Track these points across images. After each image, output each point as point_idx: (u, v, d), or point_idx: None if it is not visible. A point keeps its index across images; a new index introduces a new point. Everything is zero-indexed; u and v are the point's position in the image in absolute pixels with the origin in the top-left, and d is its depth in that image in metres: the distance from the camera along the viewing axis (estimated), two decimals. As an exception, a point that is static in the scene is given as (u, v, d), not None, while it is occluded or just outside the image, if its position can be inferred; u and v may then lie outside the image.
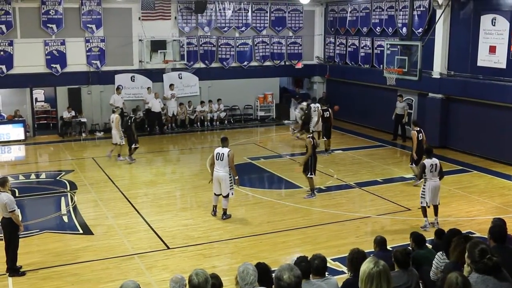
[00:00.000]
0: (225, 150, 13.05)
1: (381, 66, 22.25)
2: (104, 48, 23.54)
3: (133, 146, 18.83)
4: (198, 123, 25.24)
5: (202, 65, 25.56)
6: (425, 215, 12.58)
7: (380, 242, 8.45)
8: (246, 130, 24.77)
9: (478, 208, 14.15)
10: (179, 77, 25.08)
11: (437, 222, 12.52)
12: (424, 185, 12.56)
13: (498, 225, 7.24)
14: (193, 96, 25.31)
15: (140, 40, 23.85)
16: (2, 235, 10.70)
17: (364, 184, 16.32)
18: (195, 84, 25.46)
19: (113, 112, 19.56)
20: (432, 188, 12.44)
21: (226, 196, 13.22)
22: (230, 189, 13.19)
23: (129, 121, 18.88)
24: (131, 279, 5.47)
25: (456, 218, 13.30)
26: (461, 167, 18.21)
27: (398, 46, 20.91)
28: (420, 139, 16.07)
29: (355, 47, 25.45)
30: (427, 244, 8.78)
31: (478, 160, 19.02)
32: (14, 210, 10.14)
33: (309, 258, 6.15)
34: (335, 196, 15.39)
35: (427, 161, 12.54)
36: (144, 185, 16.36)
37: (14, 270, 10.35)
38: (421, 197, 12.57)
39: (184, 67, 25.13)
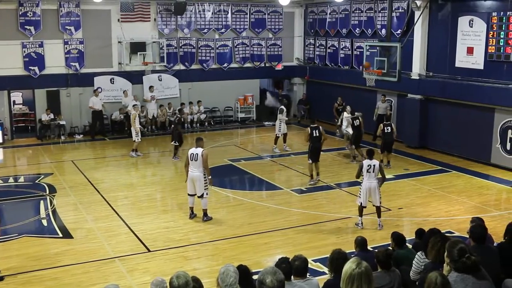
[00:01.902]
0: (199, 150, 13.10)
1: (361, 67, 22.38)
2: (83, 50, 23.37)
3: (173, 143, 19.52)
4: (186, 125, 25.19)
5: (182, 67, 25.50)
6: (360, 214, 12.84)
7: (361, 243, 8.49)
8: (227, 132, 24.76)
9: (457, 208, 14.30)
10: (159, 79, 25.00)
11: (380, 224, 12.71)
12: (361, 185, 12.80)
13: (478, 225, 7.31)
14: (173, 98, 25.23)
15: (119, 42, 23.73)
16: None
17: (344, 185, 16.42)
18: (175, 86, 25.39)
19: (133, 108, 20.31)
20: (367, 188, 12.63)
21: (201, 197, 13.23)
22: (205, 189, 13.20)
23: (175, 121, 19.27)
24: (113, 283, 5.45)
25: (436, 218, 13.43)
26: (440, 167, 18.38)
27: (377, 48, 21.04)
28: (386, 131, 17.84)
29: (335, 48, 25.57)
30: (407, 244, 8.85)
31: (457, 160, 19.22)
32: None
33: (290, 259, 6.16)
34: (316, 197, 15.43)
35: (365, 161, 12.77)
36: (124, 188, 16.26)
37: None
38: (358, 196, 12.89)
39: (164, 69, 25.05)
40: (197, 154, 13.08)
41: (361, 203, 12.76)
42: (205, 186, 13.18)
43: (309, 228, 12.86)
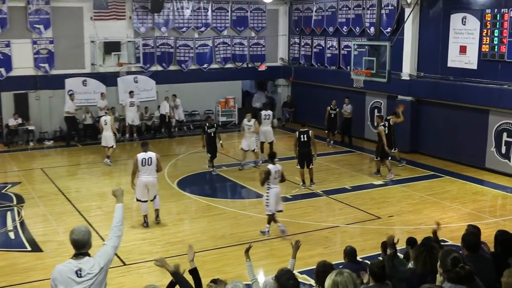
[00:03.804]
0: (152, 154, 13.40)
1: (348, 67, 22.49)
2: (53, 50, 23.21)
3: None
4: (162, 129, 25.09)
5: (159, 68, 25.44)
6: (269, 222, 12.95)
7: (350, 253, 8.48)
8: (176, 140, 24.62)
9: (450, 215, 14.39)
10: (134, 81, 24.91)
11: (284, 232, 12.91)
12: (268, 193, 12.86)
13: (471, 233, 7.34)
14: (150, 101, 25.14)
15: (92, 41, 23.61)
16: None
17: (332, 192, 16.44)
18: (152, 88, 25.31)
19: (106, 114, 20.34)
20: (275, 194, 12.86)
21: (156, 197, 13.70)
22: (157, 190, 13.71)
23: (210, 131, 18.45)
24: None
25: (428, 225, 13.45)
26: (432, 172, 18.50)
27: (366, 47, 21.17)
28: (386, 132, 17.50)
29: (321, 47, 25.67)
30: (398, 254, 8.86)
31: (450, 164, 19.36)
32: None
33: (275, 273, 6.15)
34: (301, 205, 15.46)
35: (271, 167, 12.88)
36: (97, 197, 16.16)
37: None
38: (266, 205, 12.90)
39: (140, 70, 24.97)
40: (150, 158, 13.33)
41: (271, 211, 12.86)
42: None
43: (295, 238, 12.71)
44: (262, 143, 20.12)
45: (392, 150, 18.54)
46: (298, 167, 16.83)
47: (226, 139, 24.75)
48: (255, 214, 14.42)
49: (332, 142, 22.32)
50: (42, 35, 23.02)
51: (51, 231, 13.43)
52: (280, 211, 13.14)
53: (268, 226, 13.01)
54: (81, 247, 5.70)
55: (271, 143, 20.15)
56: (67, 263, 5.67)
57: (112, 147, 19.93)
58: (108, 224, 13.97)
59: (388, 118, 18.63)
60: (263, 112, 20.58)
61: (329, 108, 22.18)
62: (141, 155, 13.36)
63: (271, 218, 12.97)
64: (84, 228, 5.82)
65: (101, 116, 21.26)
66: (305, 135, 16.61)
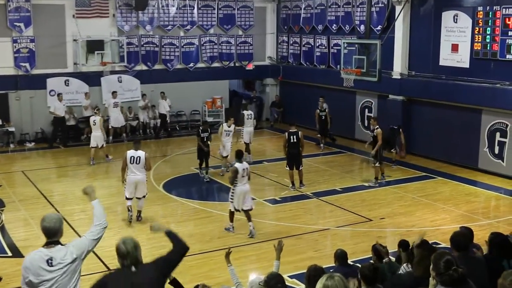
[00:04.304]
0: (141, 153, 13.86)
1: (338, 66, 22.52)
2: (34, 49, 23.08)
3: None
4: (141, 131, 25.02)
5: (144, 67, 25.37)
6: (231, 219, 13.39)
7: (341, 256, 8.49)
8: (193, 138, 24.55)
9: (443, 217, 14.45)
10: (118, 81, 24.82)
11: (252, 232, 13.15)
12: (233, 190, 13.17)
13: (459, 233, 7.41)
14: (134, 102, 25.05)
15: (74, 40, 23.49)
16: None
17: (322, 194, 16.47)
18: (136, 88, 25.23)
19: (95, 114, 20.30)
20: (242, 192, 13.15)
21: (142, 197, 14.12)
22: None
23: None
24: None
25: (420, 227, 13.53)
26: (425, 173, 18.57)
27: (356, 45, 21.20)
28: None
29: (310, 46, 25.70)
30: (390, 257, 8.89)
31: (442, 165, 19.44)
32: None
33: (263, 277, 6.16)
34: (291, 207, 15.47)
35: (239, 165, 13.16)
36: (81, 201, 16.00)
37: None
38: (230, 201, 13.28)
39: (124, 69, 24.89)
40: (139, 157, 13.79)
41: (234, 208, 13.22)
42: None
43: (285, 241, 12.72)
44: (247, 144, 20.15)
45: (392, 151, 19.04)
46: (287, 168, 16.87)
47: (213, 140, 24.67)
48: (244, 217, 14.36)
49: (322, 145, 22.14)
50: (22, 33, 22.86)
51: (32, 236, 13.33)
52: (249, 209, 13.34)
53: (231, 224, 13.43)
54: (52, 235, 5.70)
55: (247, 144, 20.31)
56: (38, 251, 5.67)
57: (102, 146, 20.15)
58: (92, 228, 13.86)
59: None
60: (246, 112, 20.58)
61: (318, 110, 22.10)
62: (130, 153, 13.87)
63: (232, 215, 13.42)
64: (55, 216, 5.84)
65: (88, 117, 21.53)
66: (294, 136, 16.67)
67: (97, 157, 20.14)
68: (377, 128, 17.31)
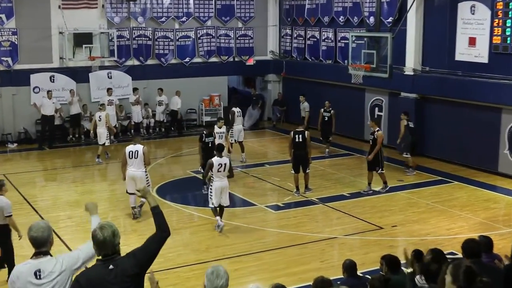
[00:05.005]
0: (139, 147, 14.40)
1: (346, 61, 22.48)
2: (16, 43, 23.07)
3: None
4: (132, 131, 24.97)
5: (136, 62, 25.37)
6: (215, 214, 13.98)
7: (349, 267, 8.47)
8: (189, 139, 24.62)
9: (460, 225, 14.40)
10: (108, 77, 24.81)
11: (221, 225, 13.84)
12: (211, 186, 13.88)
13: (469, 239, 7.47)
14: (126, 99, 25.03)
15: (60, 32, 23.48)
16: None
17: (328, 200, 16.41)
18: (128, 85, 25.21)
19: (100, 109, 20.78)
20: (218, 188, 13.73)
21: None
22: (147, 185, 14.27)
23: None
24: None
25: (435, 236, 13.50)
26: (440, 178, 18.52)
27: (365, 39, 21.17)
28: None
29: (316, 39, 25.68)
30: (402, 268, 8.85)
31: (459, 169, 19.39)
32: (11, 215, 11.06)
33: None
34: (295, 214, 15.41)
35: (215, 160, 13.69)
36: (67, 206, 16.05)
37: None
38: (209, 198, 13.94)
39: (115, 64, 24.89)
40: (137, 151, 14.34)
41: (213, 204, 13.84)
42: (147, 183, 14.44)
43: (288, 251, 12.82)
44: (241, 143, 20.29)
45: (404, 155, 18.91)
46: (293, 172, 16.80)
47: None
48: (244, 225, 14.39)
49: (327, 151, 21.61)
50: (4, 25, 22.87)
51: (15, 245, 13.25)
52: (225, 206, 13.98)
53: (217, 218, 13.96)
54: (41, 245, 5.67)
55: (241, 142, 20.42)
56: (26, 263, 5.65)
57: (103, 144, 20.47)
58: (80, 236, 14.00)
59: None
60: (236, 109, 20.57)
61: (322, 110, 21.65)
62: (129, 147, 14.49)
63: (215, 211, 13.97)
64: (43, 224, 5.77)
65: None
66: (300, 136, 16.55)
67: (85, 160, 20.13)
68: (377, 131, 16.87)
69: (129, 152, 14.37)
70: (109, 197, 17.02)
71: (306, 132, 16.68)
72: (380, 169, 16.90)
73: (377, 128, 17.04)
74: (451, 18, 19.64)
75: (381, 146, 16.80)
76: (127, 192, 14.78)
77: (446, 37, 19.84)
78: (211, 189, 13.91)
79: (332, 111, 21.28)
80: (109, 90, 23.88)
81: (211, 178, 13.85)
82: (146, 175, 14.62)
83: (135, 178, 14.36)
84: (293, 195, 16.69)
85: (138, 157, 14.30)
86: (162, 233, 5.75)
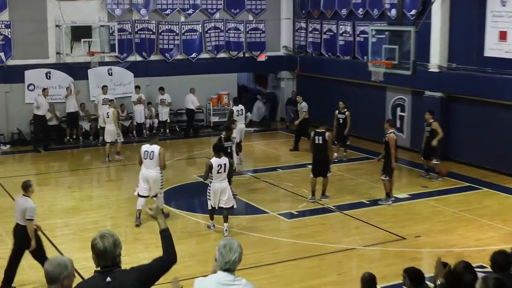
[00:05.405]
0: (155, 148, 14.62)
1: (365, 57, 22.43)
2: (10, 36, 23.18)
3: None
4: (134, 132, 25.03)
5: (139, 58, 25.44)
6: (211, 217, 14.44)
7: (368, 281, 8.47)
8: (196, 141, 24.66)
9: (490, 235, 14.33)
10: (108, 74, 24.89)
11: (226, 232, 14.05)
12: (209, 187, 14.18)
13: (497, 251, 7.43)
14: (128, 98, 25.07)
15: (57, 26, 23.59)
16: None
17: (346, 207, 16.39)
18: (130, 83, 25.28)
19: (109, 106, 21.41)
20: (217, 189, 14.02)
21: (158, 195, 14.94)
22: (161, 188, 14.91)
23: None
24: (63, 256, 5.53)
25: (463, 248, 13.43)
26: (468, 184, 18.47)
27: (386, 33, 21.09)
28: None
29: (332, 34, 25.65)
30: (426, 282, 8.81)
31: (489, 174, 19.33)
32: (32, 219, 11.38)
33: None
34: (310, 222, 15.41)
35: (214, 161, 14.01)
36: (64, 213, 16.10)
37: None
38: (208, 199, 14.28)
39: (115, 60, 24.97)
40: (152, 152, 14.58)
41: (212, 206, 14.22)
42: (161, 185, 14.92)
43: (302, 263, 12.81)
44: (239, 143, 20.20)
45: (434, 161, 18.80)
46: (311, 175, 16.77)
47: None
48: (255, 234, 14.37)
49: (345, 154, 21.49)
50: (-3, 18, 23.04)
51: (7, 254, 13.33)
52: (229, 207, 14.20)
53: (211, 222, 14.46)
54: (50, 281, 5.26)
55: (239, 143, 20.26)
56: None
57: (116, 142, 21.11)
58: (77, 245, 14.02)
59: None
60: (235, 108, 20.62)
61: (336, 112, 21.48)
62: (144, 147, 14.83)
63: (212, 213, 14.38)
64: (60, 260, 5.44)
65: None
66: (320, 137, 16.52)
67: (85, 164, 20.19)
68: (390, 133, 16.73)
69: (144, 152, 14.64)
70: (109, 203, 17.04)
71: (327, 133, 16.63)
72: (386, 176, 16.56)
73: (390, 130, 16.89)
74: (480, 10, 19.57)
75: (395, 150, 16.63)
76: (138, 194, 14.84)
77: (475, 31, 19.77)
78: (209, 190, 14.20)
79: (347, 113, 21.22)
80: (104, 88, 23.81)
81: (210, 180, 14.14)
82: (162, 177, 14.85)
83: (149, 180, 14.65)
84: (308, 202, 16.64)
85: (153, 158, 14.53)
86: (168, 257, 5.71)
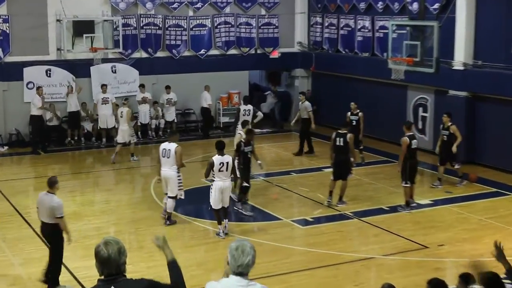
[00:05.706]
0: (172, 146, 15.01)
1: (385, 54, 22.39)
2: (8, 32, 23.27)
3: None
4: (139, 133, 25.05)
5: (144, 55, 25.50)
6: (219, 222, 14.61)
7: (388, 293, 8.42)
8: (205, 142, 24.65)
9: (518, 245, 14.26)
10: (112, 71, 24.94)
11: (226, 228, 14.58)
12: (211, 186, 14.55)
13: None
14: (132, 97, 25.08)
15: (58, 20, 23.66)
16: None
17: (364, 214, 16.36)
18: (135, 81, 25.32)
19: (123, 104, 21.62)
20: (219, 188, 14.40)
21: (174, 197, 15.13)
22: (179, 189, 15.18)
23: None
24: None
25: (489, 258, 13.32)
26: (495, 189, 18.41)
27: (407, 28, 21.07)
28: (413, 147, 16.40)
29: (350, 29, 25.63)
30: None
31: (517, 179, 19.27)
32: (63, 216, 11.86)
33: None
34: (326, 230, 15.39)
35: (216, 158, 14.34)
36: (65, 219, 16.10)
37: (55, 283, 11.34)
38: (210, 199, 14.57)
39: (119, 57, 25.02)
40: (169, 150, 15.00)
41: (214, 206, 14.48)
42: (179, 186, 15.15)
43: (318, 273, 12.77)
44: None
45: (456, 166, 18.65)
46: (331, 178, 16.78)
47: (228, 146, 24.68)
48: (266, 242, 14.32)
49: (361, 156, 21.17)
50: (-6, 12, 23.14)
51: (5, 263, 13.39)
52: (223, 207, 14.57)
53: (219, 226, 14.57)
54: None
55: None
56: None
57: (129, 143, 21.32)
58: (79, 253, 14.06)
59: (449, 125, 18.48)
60: (242, 107, 20.42)
61: (349, 113, 21.36)
62: (163, 145, 15.32)
63: (217, 215, 14.63)
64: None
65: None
66: (341, 139, 16.54)
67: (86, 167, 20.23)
68: (405, 136, 16.60)
69: (162, 150, 15.09)
70: (112, 209, 17.06)
71: (348, 135, 16.61)
72: (404, 182, 16.48)
73: (407, 133, 16.73)
74: (508, 4, 19.52)
75: (405, 153, 16.43)
76: (165, 193, 15.52)
77: (502, 26, 19.71)
78: (211, 190, 14.52)
79: (360, 114, 21.18)
80: (103, 87, 23.84)
81: (212, 178, 14.47)
82: (179, 176, 15.15)
83: (166, 179, 15.18)
84: (324, 208, 16.58)
85: (170, 157, 14.93)
86: (177, 286, 5.74)
